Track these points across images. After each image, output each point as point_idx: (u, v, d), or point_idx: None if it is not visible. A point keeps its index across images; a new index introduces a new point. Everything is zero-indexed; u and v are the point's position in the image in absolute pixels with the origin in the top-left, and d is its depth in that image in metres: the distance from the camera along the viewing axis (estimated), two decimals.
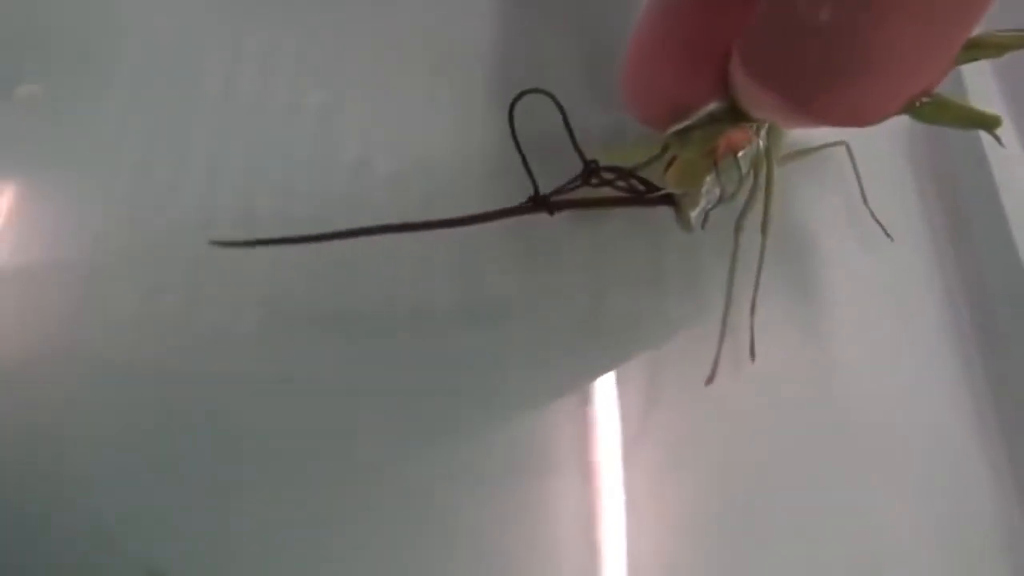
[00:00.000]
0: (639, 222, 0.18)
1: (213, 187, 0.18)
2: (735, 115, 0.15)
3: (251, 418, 0.16)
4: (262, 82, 0.19)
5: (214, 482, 0.16)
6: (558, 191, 0.15)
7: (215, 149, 0.18)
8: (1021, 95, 0.20)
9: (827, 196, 0.20)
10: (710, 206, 0.15)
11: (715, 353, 0.17)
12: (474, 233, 0.15)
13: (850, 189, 0.19)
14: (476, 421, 0.17)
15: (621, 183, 0.15)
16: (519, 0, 0.21)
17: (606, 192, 0.15)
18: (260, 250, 0.17)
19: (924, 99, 0.13)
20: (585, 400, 0.17)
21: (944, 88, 0.13)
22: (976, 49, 0.15)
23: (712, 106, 0.15)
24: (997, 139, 0.14)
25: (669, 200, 0.15)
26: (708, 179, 0.15)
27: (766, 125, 0.16)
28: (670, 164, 0.15)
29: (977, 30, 0.13)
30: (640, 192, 0.15)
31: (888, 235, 0.19)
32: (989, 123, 0.14)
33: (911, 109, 0.13)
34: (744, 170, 0.15)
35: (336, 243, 0.17)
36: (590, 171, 0.15)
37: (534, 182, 0.15)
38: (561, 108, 0.15)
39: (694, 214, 0.15)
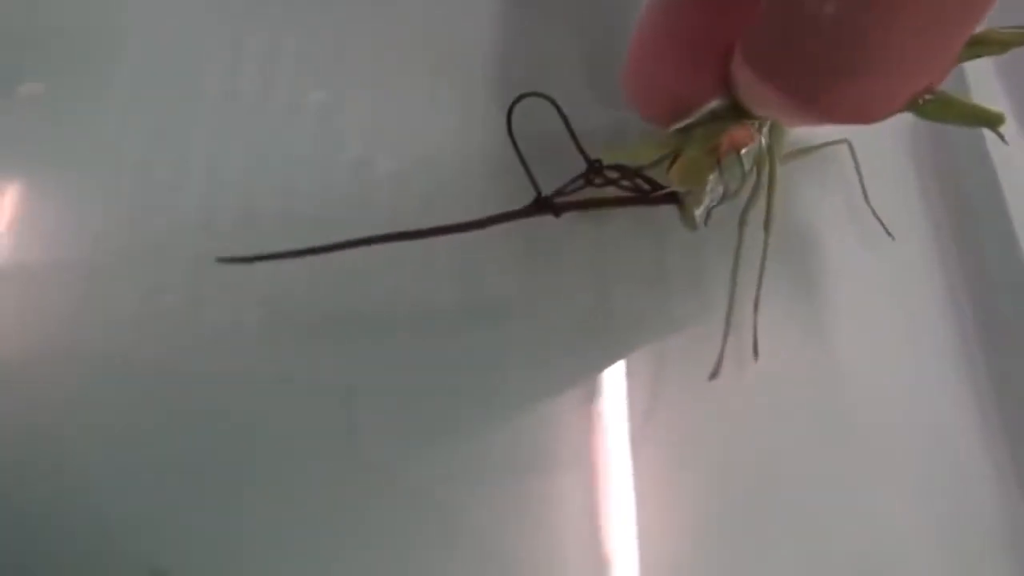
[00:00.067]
0: (642, 220, 0.18)
1: (213, 187, 0.18)
2: (737, 112, 0.15)
3: (251, 418, 0.16)
4: (262, 82, 0.19)
5: (214, 481, 0.15)
6: (560, 191, 0.15)
7: (215, 149, 0.18)
8: None
9: (829, 194, 0.20)
10: (713, 204, 0.15)
11: (719, 348, 0.17)
12: (475, 232, 0.15)
13: (852, 187, 0.19)
14: (477, 421, 0.17)
15: (625, 182, 0.15)
16: (519, 0, 0.21)
17: (610, 192, 0.15)
18: (260, 249, 0.17)
19: (927, 96, 0.13)
20: (587, 399, 0.17)
21: (947, 85, 0.13)
22: (979, 46, 0.15)
23: (714, 103, 0.15)
24: (1000, 136, 0.14)
25: (673, 198, 0.15)
26: (712, 177, 0.15)
27: (768, 123, 0.16)
28: (673, 162, 0.15)
29: (980, 27, 0.13)
30: (644, 191, 0.15)
31: (889, 233, 0.19)
32: (992, 120, 0.14)
33: (914, 106, 0.13)
34: (747, 167, 0.15)
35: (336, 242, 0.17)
36: (594, 171, 0.15)
37: (536, 185, 0.15)
38: (561, 111, 0.15)
39: (698, 212, 0.15)
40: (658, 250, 0.18)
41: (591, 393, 0.17)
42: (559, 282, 0.18)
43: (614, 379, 0.17)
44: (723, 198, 0.16)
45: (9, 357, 0.16)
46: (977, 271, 0.19)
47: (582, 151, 0.15)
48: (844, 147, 0.19)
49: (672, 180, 0.15)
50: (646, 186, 0.15)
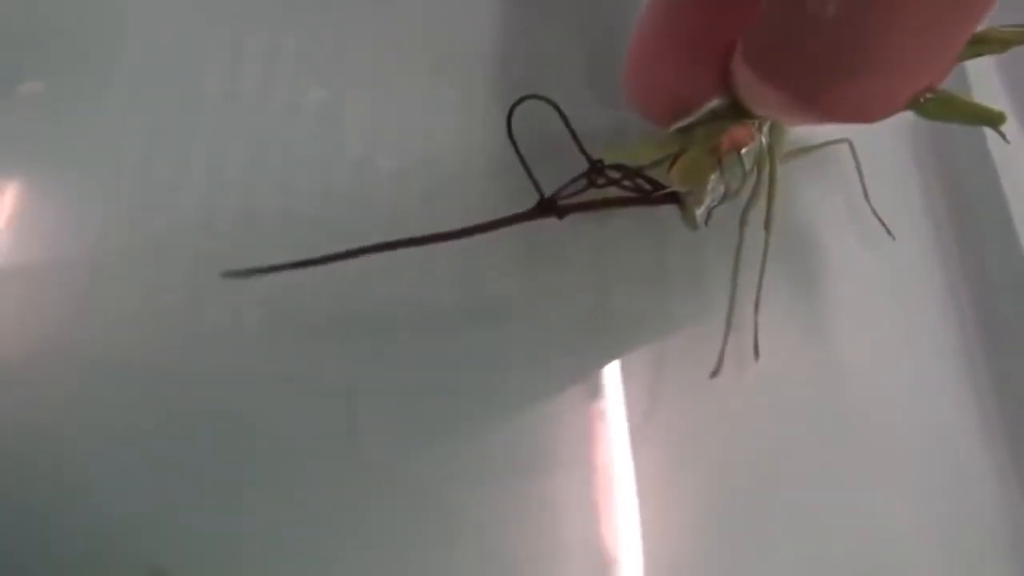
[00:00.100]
0: (642, 220, 0.18)
1: (213, 187, 0.18)
2: (737, 112, 0.15)
3: (251, 418, 0.16)
4: (262, 82, 0.19)
5: (214, 481, 0.15)
6: (561, 190, 0.15)
7: (216, 148, 0.18)
8: None
9: (829, 194, 0.20)
10: (714, 204, 0.15)
11: (720, 348, 0.17)
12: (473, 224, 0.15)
13: (852, 187, 0.19)
14: (477, 421, 0.17)
15: (626, 182, 0.15)
16: (519, 0, 0.21)
17: (612, 192, 0.15)
18: (261, 249, 0.17)
19: (928, 95, 0.13)
20: (588, 399, 0.17)
21: (948, 84, 0.13)
22: (980, 45, 0.15)
23: (714, 103, 0.15)
24: (1002, 135, 0.14)
25: (674, 198, 0.15)
26: (712, 177, 0.15)
27: (768, 122, 0.16)
28: (674, 162, 0.15)
29: (981, 26, 0.13)
30: (646, 191, 0.15)
31: (889, 233, 0.19)
32: (993, 119, 0.14)
33: (915, 105, 0.13)
34: (748, 167, 0.15)
35: (336, 242, 0.17)
36: (596, 171, 0.15)
37: (538, 188, 0.15)
38: (561, 113, 0.15)
39: (699, 212, 0.15)
40: (658, 250, 0.18)
41: (591, 393, 0.17)
42: (559, 282, 0.18)
43: (614, 379, 0.17)
44: (724, 198, 0.15)
45: (9, 357, 0.16)
46: (977, 271, 0.19)
47: (584, 152, 0.15)
48: (844, 146, 0.19)
49: (673, 180, 0.15)
50: (647, 186, 0.15)
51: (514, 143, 0.15)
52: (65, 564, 0.15)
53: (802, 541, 0.16)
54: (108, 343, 0.16)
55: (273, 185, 0.18)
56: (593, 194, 0.15)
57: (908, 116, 0.14)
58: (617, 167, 0.15)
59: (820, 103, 0.13)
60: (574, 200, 0.15)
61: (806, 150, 0.18)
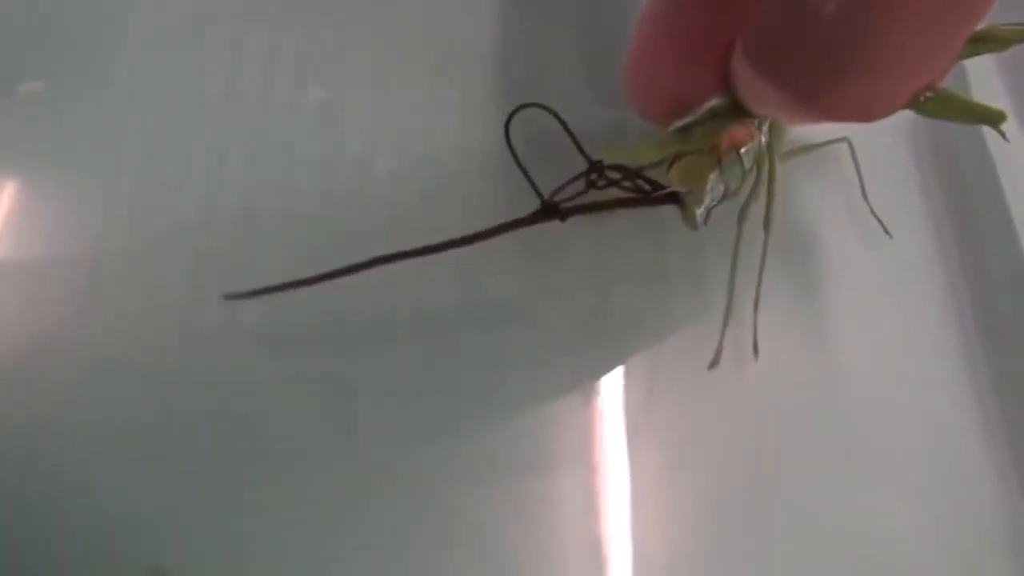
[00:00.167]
0: (642, 220, 0.18)
1: (213, 187, 0.18)
2: (737, 111, 0.15)
3: (251, 417, 0.16)
4: (262, 82, 0.19)
5: (214, 480, 0.15)
6: (559, 190, 0.15)
7: (216, 148, 0.18)
8: None
9: (829, 194, 0.20)
10: (714, 203, 0.15)
11: (718, 341, 0.17)
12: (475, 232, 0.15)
13: (852, 186, 0.19)
14: (477, 421, 0.17)
15: (626, 183, 0.15)
16: (519, 0, 0.21)
17: (612, 193, 0.15)
18: (260, 248, 0.17)
19: (928, 94, 0.13)
20: (587, 399, 0.17)
21: (948, 82, 0.13)
22: (980, 43, 0.15)
23: (714, 102, 0.15)
24: (1002, 134, 0.14)
25: (674, 198, 0.15)
26: (712, 176, 0.15)
27: (768, 121, 0.16)
28: (673, 162, 0.15)
29: (981, 24, 0.13)
30: (646, 191, 0.15)
31: (887, 232, 0.19)
32: (993, 118, 0.14)
33: (915, 104, 0.13)
34: (747, 166, 0.15)
35: (336, 241, 0.17)
36: (597, 172, 0.15)
37: (539, 192, 0.15)
38: (560, 119, 0.15)
39: (699, 212, 0.15)
40: (658, 250, 0.18)
41: (591, 393, 0.17)
42: (559, 282, 0.18)
43: (614, 379, 0.17)
44: (724, 197, 0.15)
45: (9, 355, 0.16)
46: (977, 271, 0.19)
47: (583, 153, 0.15)
48: (844, 145, 0.19)
49: (673, 180, 0.15)
50: (647, 186, 0.15)
51: (512, 150, 0.15)
52: (65, 564, 0.15)
53: (802, 541, 0.16)
54: (108, 342, 0.16)
55: (273, 185, 0.18)
56: (594, 195, 0.15)
57: (908, 115, 0.14)
58: (617, 167, 0.15)
59: (820, 102, 0.13)
60: (575, 202, 0.15)
61: (806, 149, 0.18)
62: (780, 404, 0.17)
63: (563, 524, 0.16)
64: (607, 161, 0.15)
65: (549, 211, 0.15)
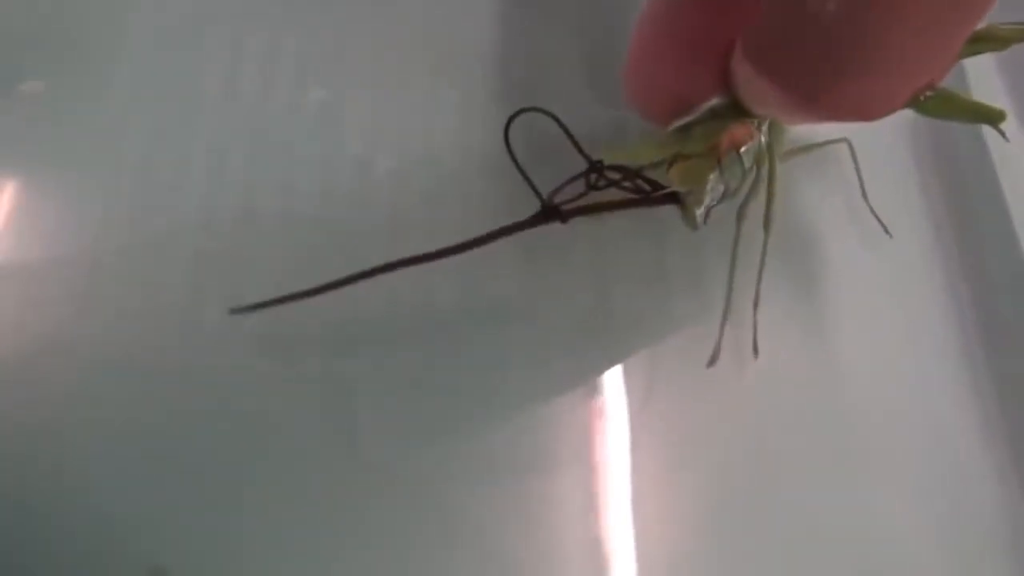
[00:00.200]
0: (642, 220, 0.18)
1: (213, 187, 0.18)
2: (736, 111, 0.15)
3: (251, 417, 0.16)
4: (262, 82, 0.19)
5: (214, 480, 0.15)
6: (559, 190, 0.15)
7: (216, 148, 0.18)
8: None
9: (829, 194, 0.20)
10: (714, 203, 0.15)
11: (717, 338, 0.17)
12: (475, 232, 0.15)
13: (852, 186, 0.19)
14: (477, 421, 0.17)
15: (626, 183, 0.15)
16: (519, 0, 0.21)
17: (613, 194, 0.15)
18: (260, 248, 0.17)
19: (928, 93, 0.13)
20: (587, 399, 0.17)
21: (947, 82, 0.13)
22: (980, 42, 0.15)
23: (713, 102, 0.15)
24: (1001, 133, 0.14)
25: (674, 198, 0.15)
26: (712, 176, 0.15)
27: (768, 121, 0.16)
28: (673, 162, 0.15)
29: (981, 23, 0.13)
30: (646, 192, 0.15)
31: (887, 232, 0.19)
32: (993, 117, 0.14)
33: (915, 103, 0.13)
34: (747, 166, 0.15)
35: (336, 241, 0.17)
36: (597, 172, 0.15)
37: (539, 195, 0.15)
38: (560, 122, 0.15)
39: (699, 212, 0.15)
40: (658, 250, 0.18)
41: (591, 393, 0.17)
42: (559, 282, 0.18)
43: (614, 379, 0.17)
44: (723, 197, 0.15)
45: (9, 355, 0.16)
46: (977, 271, 0.19)
47: (583, 153, 0.15)
48: (844, 145, 0.19)
49: (672, 180, 0.15)
50: (647, 187, 0.15)
51: (512, 154, 0.15)
52: (65, 564, 0.15)
53: (802, 541, 0.16)
54: (108, 342, 0.16)
55: (273, 185, 0.18)
56: (594, 196, 0.15)
57: (908, 114, 0.14)
58: (617, 168, 0.15)
59: (820, 102, 0.13)
60: (576, 203, 0.15)
61: (806, 149, 0.18)
62: (780, 404, 0.17)
63: (563, 524, 0.16)
64: (607, 161, 0.15)
65: (549, 213, 0.15)
